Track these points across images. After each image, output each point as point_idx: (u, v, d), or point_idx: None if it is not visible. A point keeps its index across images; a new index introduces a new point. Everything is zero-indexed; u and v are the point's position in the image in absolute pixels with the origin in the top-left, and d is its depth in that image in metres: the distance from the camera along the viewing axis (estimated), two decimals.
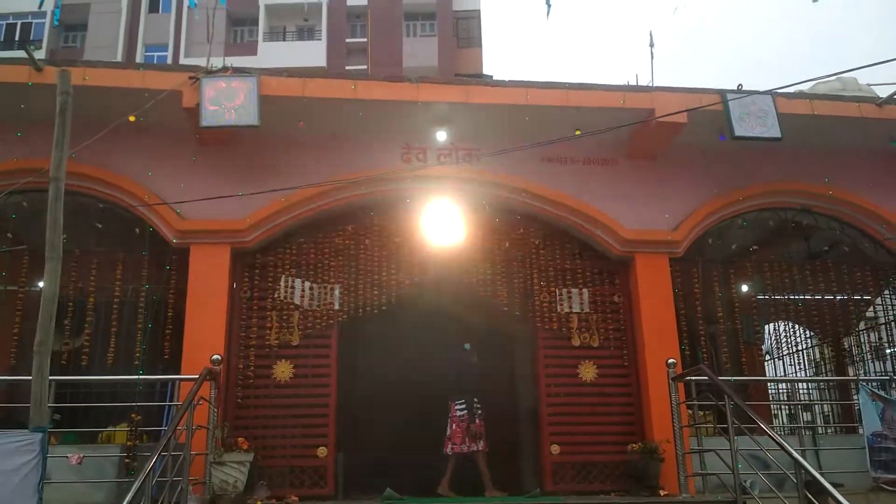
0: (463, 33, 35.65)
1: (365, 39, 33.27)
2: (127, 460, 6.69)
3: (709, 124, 8.05)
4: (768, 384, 11.63)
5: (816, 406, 9.94)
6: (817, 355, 11.00)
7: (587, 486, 7.74)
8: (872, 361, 10.37)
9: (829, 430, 9.94)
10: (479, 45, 35.65)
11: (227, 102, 7.20)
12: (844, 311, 9.58)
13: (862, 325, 10.26)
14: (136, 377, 6.99)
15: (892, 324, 9.30)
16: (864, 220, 8.85)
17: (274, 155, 8.07)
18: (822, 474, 7.10)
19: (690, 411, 7.82)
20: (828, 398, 10.82)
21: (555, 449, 7.85)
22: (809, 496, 5.54)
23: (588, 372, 8.17)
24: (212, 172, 7.89)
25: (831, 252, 9.13)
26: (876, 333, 9.79)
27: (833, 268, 8.84)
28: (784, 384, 11.67)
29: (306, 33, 33.94)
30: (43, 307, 4.48)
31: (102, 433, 7.53)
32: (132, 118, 7.27)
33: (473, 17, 36.82)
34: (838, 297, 8.87)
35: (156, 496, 5.09)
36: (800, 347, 10.52)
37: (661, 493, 7.17)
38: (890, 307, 9.18)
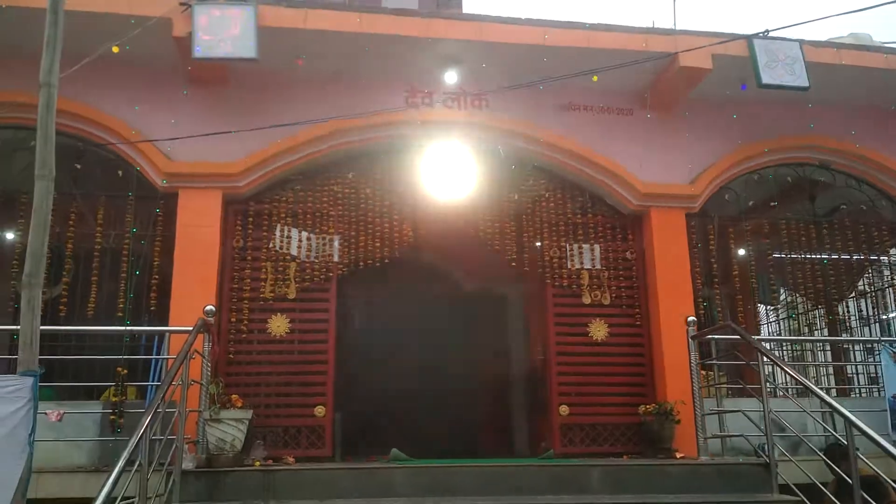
0: (443, 5, 34.65)
1: None
2: (112, 417, 6.18)
3: (732, 73, 7.63)
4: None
5: (824, 368, 9.70)
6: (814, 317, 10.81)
7: (597, 448, 7.43)
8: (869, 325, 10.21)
9: (851, 393, 9.70)
10: None
11: (222, 32, 6.58)
12: (860, 271, 9.32)
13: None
14: (123, 328, 6.45)
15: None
16: (883, 178, 8.54)
17: (270, 94, 7.48)
18: (841, 437, 7.04)
19: (704, 372, 7.51)
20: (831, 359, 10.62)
21: (564, 410, 7.51)
22: (862, 458, 5.18)
23: (599, 331, 7.80)
24: (203, 112, 7.29)
25: (846, 210, 8.80)
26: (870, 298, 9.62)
27: (851, 226, 8.52)
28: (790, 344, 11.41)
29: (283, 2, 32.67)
30: (33, 233, 3.94)
31: (105, 391, 6.98)
32: (116, 49, 6.61)
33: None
34: (854, 257, 8.56)
35: (149, 457, 4.61)
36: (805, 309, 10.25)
37: (677, 455, 6.86)
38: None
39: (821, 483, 5.59)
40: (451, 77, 7.55)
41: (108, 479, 3.80)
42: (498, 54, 7.38)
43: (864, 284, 9.73)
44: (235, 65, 7.03)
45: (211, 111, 7.27)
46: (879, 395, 8.40)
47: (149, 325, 7.04)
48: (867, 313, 9.93)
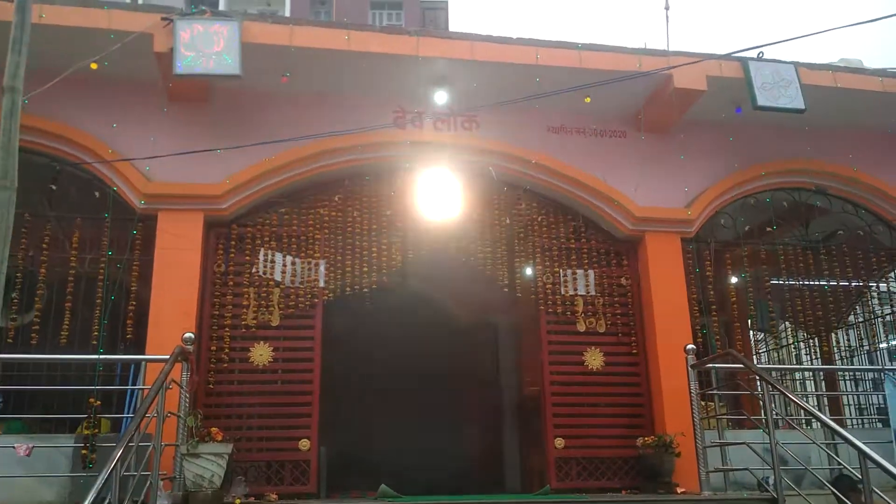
0: (430, 24, 34.90)
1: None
2: (84, 451, 5.80)
3: (726, 96, 7.53)
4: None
5: (825, 399, 9.45)
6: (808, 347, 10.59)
7: (594, 482, 7.11)
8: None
9: (854, 423, 9.48)
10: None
11: (205, 48, 6.35)
12: (856, 298, 9.14)
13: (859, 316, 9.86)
14: (96, 356, 6.09)
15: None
16: (879, 203, 8.42)
17: (254, 113, 7.24)
18: (841, 470, 6.78)
19: (703, 402, 7.25)
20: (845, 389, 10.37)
21: (559, 443, 7.19)
22: (878, 492, 4.93)
23: (595, 360, 7.53)
24: (184, 130, 7.03)
25: (843, 236, 8.63)
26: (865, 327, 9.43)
27: (848, 252, 8.36)
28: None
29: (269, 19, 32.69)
30: None
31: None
32: (94, 65, 6.38)
33: (441, 7, 36.21)
34: (853, 283, 8.38)
35: (120, 495, 4.27)
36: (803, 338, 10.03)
37: (678, 490, 6.57)
38: None
39: None
40: (440, 97, 7.35)
41: None
42: (489, 74, 7.20)
43: (861, 312, 9.52)
44: (218, 82, 6.82)
45: (192, 130, 7.01)
46: (874, 425, 8.24)
47: (125, 354, 6.69)
48: (859, 343, 9.71)
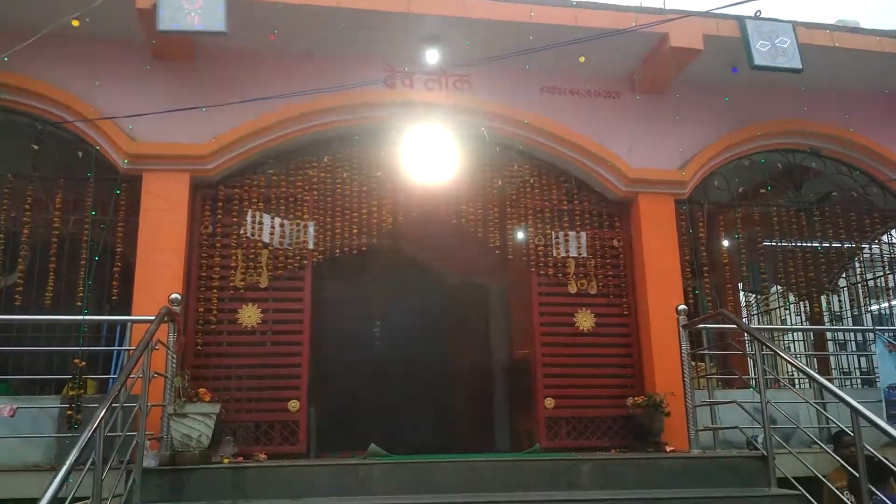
0: None
1: None
2: (69, 412, 5.77)
3: (723, 56, 7.41)
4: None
5: (814, 361, 9.47)
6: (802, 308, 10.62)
7: (584, 441, 7.13)
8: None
9: (841, 384, 9.50)
10: None
11: (189, 4, 6.17)
12: (848, 259, 9.12)
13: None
14: (81, 318, 6.02)
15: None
16: (874, 165, 8.35)
17: (240, 72, 7.10)
18: (830, 428, 6.81)
19: (693, 363, 7.25)
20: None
21: (549, 403, 7.20)
22: (870, 449, 4.93)
23: (585, 321, 7.50)
24: (168, 89, 6.89)
25: (836, 198, 8.58)
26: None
27: (842, 214, 8.31)
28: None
29: None
30: None
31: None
32: (76, 22, 6.23)
33: None
34: (846, 245, 8.34)
35: (105, 454, 4.24)
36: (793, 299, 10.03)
37: (667, 448, 6.59)
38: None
39: (822, 476, 5.32)
40: (432, 56, 7.21)
41: (54, 478, 3.41)
42: (482, 32, 7.04)
43: (853, 275, 9.51)
44: (203, 39, 6.67)
45: (176, 88, 6.86)
46: (860, 387, 8.25)
47: (110, 315, 6.62)
48: (851, 305, 9.71)
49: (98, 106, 6.65)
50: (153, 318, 5.37)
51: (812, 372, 5.48)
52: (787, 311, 11.10)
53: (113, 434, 4.91)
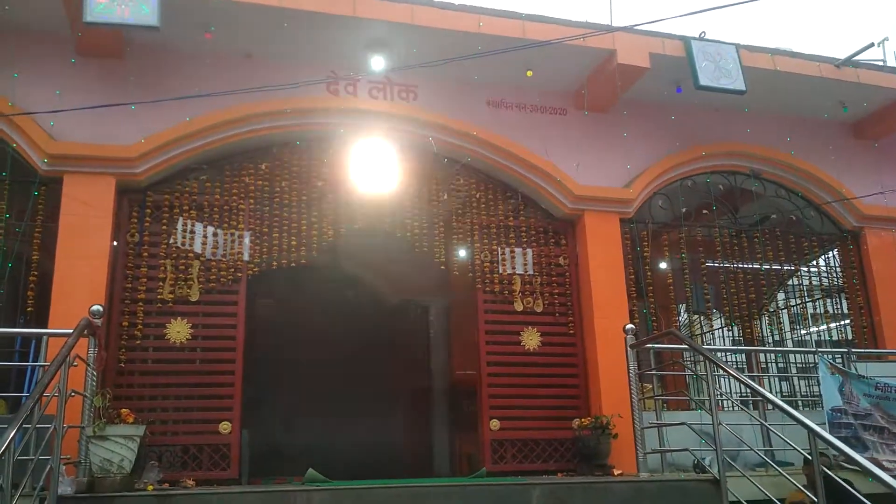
0: None
1: None
2: None
3: (668, 75, 7.45)
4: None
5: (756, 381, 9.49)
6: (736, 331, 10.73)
7: (530, 465, 6.91)
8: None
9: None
10: None
11: None
12: (784, 280, 9.24)
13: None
14: None
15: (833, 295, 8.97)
16: (812, 189, 8.49)
17: (173, 71, 6.72)
18: (775, 452, 6.78)
19: (640, 383, 7.13)
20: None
21: (495, 424, 6.96)
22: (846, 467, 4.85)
23: (532, 340, 7.32)
24: (95, 87, 6.45)
25: (774, 220, 8.68)
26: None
27: (781, 236, 8.40)
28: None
29: None
30: None
31: None
32: None
33: None
34: (786, 267, 8.43)
35: (16, 479, 3.78)
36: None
37: (615, 472, 6.42)
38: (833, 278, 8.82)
39: (778, 500, 5.22)
40: (377, 63, 6.98)
41: None
42: (429, 41, 6.86)
43: (794, 296, 9.63)
44: (134, 34, 6.28)
45: (104, 86, 6.43)
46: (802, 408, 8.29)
47: (24, 329, 6.07)
48: (791, 328, 9.83)
49: (16, 101, 6.15)
50: (71, 331, 4.90)
51: (768, 394, 5.43)
52: (718, 335, 11.21)
53: (25, 458, 4.44)
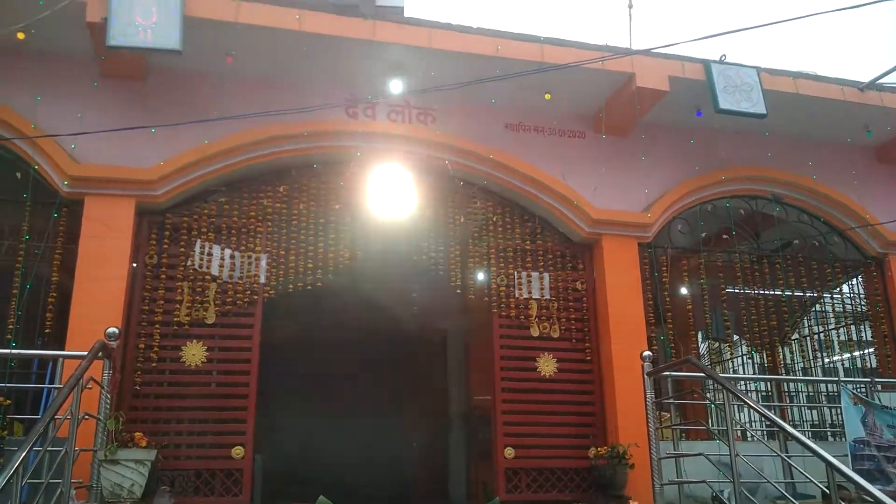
0: None
1: None
2: None
3: (688, 98, 7.39)
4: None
5: (776, 410, 9.34)
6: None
7: (544, 494, 6.80)
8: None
9: (808, 437, 9.34)
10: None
11: (142, 19, 5.86)
12: (808, 308, 9.08)
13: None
14: (8, 351, 5.50)
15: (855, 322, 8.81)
16: (835, 214, 8.36)
17: (195, 94, 6.77)
18: (796, 484, 6.63)
19: (658, 412, 7.02)
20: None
21: (509, 452, 6.87)
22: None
23: (548, 366, 7.24)
24: (117, 110, 6.52)
25: (797, 246, 8.55)
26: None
27: (803, 262, 8.27)
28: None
29: None
30: None
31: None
32: (21, 34, 5.86)
33: (397, 12, 35.92)
34: (808, 294, 8.29)
35: (26, 501, 3.78)
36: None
37: (631, 503, 6.31)
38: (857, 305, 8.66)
39: None
40: (396, 86, 6.98)
41: None
42: (447, 64, 6.87)
43: (816, 324, 9.48)
44: (155, 58, 6.34)
45: (125, 109, 6.49)
46: (827, 439, 8.13)
47: (41, 350, 6.10)
48: (813, 356, 9.67)
49: (39, 123, 6.23)
50: (86, 353, 4.91)
51: (785, 424, 5.30)
52: (740, 363, 11.04)
53: (36, 481, 4.44)
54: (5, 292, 6.14)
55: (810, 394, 10.22)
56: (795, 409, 10.56)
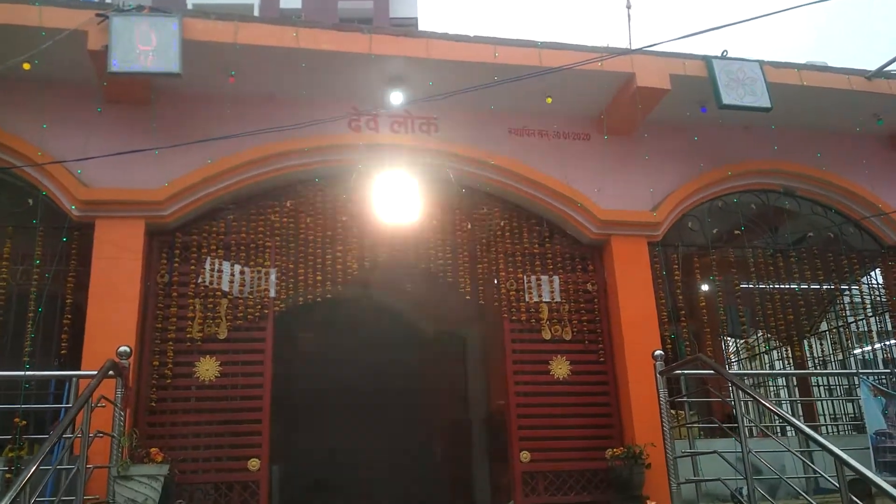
0: None
1: None
2: (8, 475, 5.35)
3: (690, 95, 7.35)
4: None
5: (799, 407, 9.20)
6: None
7: (562, 497, 6.78)
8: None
9: (829, 431, 9.23)
10: None
11: (142, 45, 5.99)
12: (828, 302, 8.94)
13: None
14: (21, 373, 5.64)
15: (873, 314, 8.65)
16: (848, 204, 8.24)
17: (197, 115, 6.88)
18: (818, 478, 6.53)
19: (673, 411, 6.98)
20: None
21: (525, 456, 6.86)
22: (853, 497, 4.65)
23: (561, 369, 7.22)
24: (122, 134, 6.65)
25: (812, 239, 8.44)
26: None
27: (819, 255, 8.16)
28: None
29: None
30: None
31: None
32: (27, 65, 6.03)
33: (411, 24, 36.24)
34: (825, 287, 8.17)
35: None
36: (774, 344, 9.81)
37: (649, 503, 6.26)
38: (876, 296, 8.51)
39: None
40: (396, 98, 7.04)
41: None
42: (446, 73, 6.90)
43: (834, 318, 9.33)
44: (157, 81, 6.47)
45: (131, 133, 6.62)
46: (848, 433, 7.96)
47: (56, 371, 6.24)
48: (832, 349, 9.50)
49: (47, 150, 6.39)
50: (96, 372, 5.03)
51: (794, 419, 5.22)
52: (770, 357, 10.89)
53: (50, 499, 4.55)
54: (22, 315, 6.29)
55: (847, 387, 10.00)
56: (832, 403, 10.37)
